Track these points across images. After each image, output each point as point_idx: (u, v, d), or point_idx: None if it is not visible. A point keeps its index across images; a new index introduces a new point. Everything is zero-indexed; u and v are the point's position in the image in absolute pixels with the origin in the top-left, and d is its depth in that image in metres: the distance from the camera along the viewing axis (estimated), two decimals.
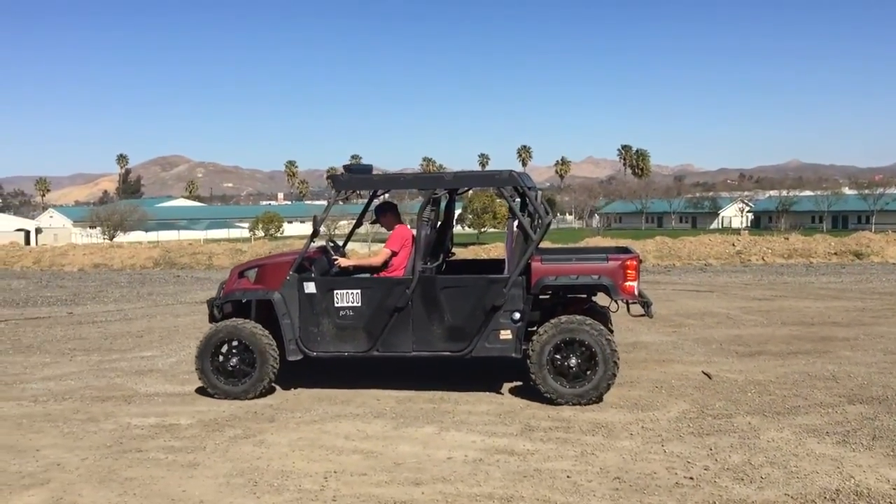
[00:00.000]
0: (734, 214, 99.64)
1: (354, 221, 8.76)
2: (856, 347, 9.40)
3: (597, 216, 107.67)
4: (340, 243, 8.23)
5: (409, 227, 7.90)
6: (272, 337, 7.25)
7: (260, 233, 75.43)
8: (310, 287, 7.26)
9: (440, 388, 7.61)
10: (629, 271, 6.96)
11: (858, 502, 4.71)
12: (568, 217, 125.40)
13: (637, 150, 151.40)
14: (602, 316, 7.48)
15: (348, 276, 7.59)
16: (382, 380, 7.94)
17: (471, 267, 8.98)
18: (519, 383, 7.68)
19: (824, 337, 10.10)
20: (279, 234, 73.79)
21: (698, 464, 5.41)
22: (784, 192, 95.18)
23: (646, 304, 7.11)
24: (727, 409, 6.74)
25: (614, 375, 6.91)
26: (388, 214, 8.02)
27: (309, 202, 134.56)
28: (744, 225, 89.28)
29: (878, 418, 6.38)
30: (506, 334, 7.05)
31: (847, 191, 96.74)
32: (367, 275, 7.58)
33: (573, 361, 6.89)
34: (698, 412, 6.67)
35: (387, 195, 8.03)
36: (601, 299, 7.56)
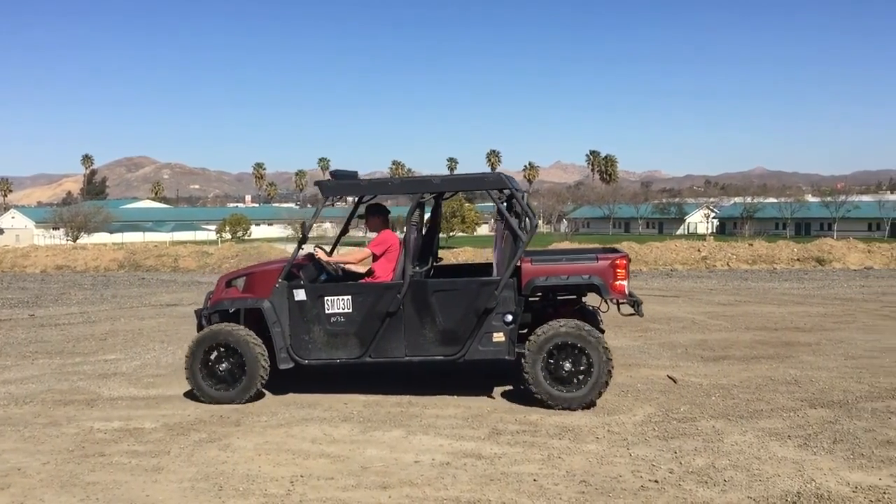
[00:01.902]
0: (700, 220, 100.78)
1: (341, 227, 8.71)
2: (817, 352, 9.55)
3: (565, 221, 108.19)
4: (328, 248, 8.17)
5: (395, 232, 7.90)
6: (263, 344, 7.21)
7: (227, 235, 74.89)
8: (300, 294, 7.18)
9: (408, 391, 7.60)
10: (619, 270, 6.97)
11: None
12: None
13: (605, 156, 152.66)
14: (592, 317, 7.50)
15: (338, 283, 7.55)
16: (350, 384, 7.92)
17: (459, 271, 8.92)
18: (486, 387, 7.70)
19: (787, 342, 10.26)
20: (247, 237, 73.28)
21: (663, 467, 5.47)
22: (749, 199, 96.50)
23: (636, 304, 7.13)
24: (692, 413, 6.81)
25: (608, 382, 6.92)
26: (376, 217, 7.97)
27: (277, 205, 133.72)
28: (709, 231, 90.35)
29: (839, 422, 6.49)
30: (498, 337, 7.03)
31: (810, 198, 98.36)
32: (355, 281, 7.55)
33: (568, 366, 6.86)
34: (663, 416, 6.74)
35: (372, 200, 7.94)
36: (589, 299, 7.60)
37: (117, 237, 72.55)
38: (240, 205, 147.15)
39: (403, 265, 7.18)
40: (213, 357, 7.20)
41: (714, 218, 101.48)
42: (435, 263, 8.46)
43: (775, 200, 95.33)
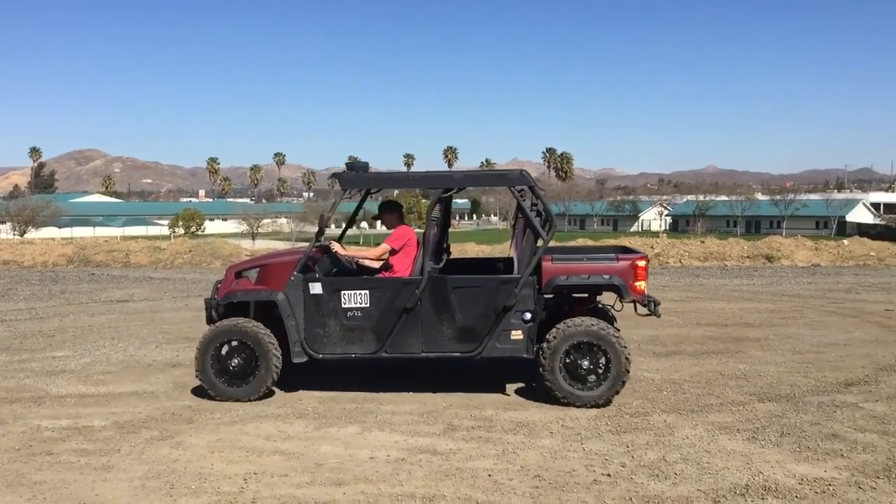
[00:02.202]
0: (653, 218, 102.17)
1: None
2: (766, 347, 9.76)
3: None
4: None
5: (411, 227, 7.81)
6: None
7: (180, 230, 73.80)
8: (316, 288, 7.07)
9: (363, 388, 7.58)
10: (639, 271, 6.98)
11: (767, 497, 4.89)
12: (493, 218, 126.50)
13: (561, 154, 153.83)
14: (606, 316, 7.49)
15: (355, 277, 7.47)
16: (305, 380, 7.87)
17: (470, 266, 8.80)
18: (442, 383, 7.71)
19: (737, 337, 10.46)
20: (200, 232, 72.30)
21: (615, 461, 5.54)
22: (701, 197, 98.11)
23: (653, 304, 7.15)
24: (644, 408, 6.91)
25: (625, 381, 6.92)
26: (391, 213, 7.92)
27: (231, 200, 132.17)
28: (662, 228, 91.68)
29: (786, 416, 6.64)
30: (517, 334, 6.99)
31: (760, 196, 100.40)
32: (371, 276, 7.50)
33: (586, 364, 6.86)
34: (616, 410, 6.82)
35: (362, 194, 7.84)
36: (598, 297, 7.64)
37: (66, 232, 70.88)
38: (193, 200, 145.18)
39: (422, 261, 7.12)
40: (224, 352, 7.07)
41: (667, 215, 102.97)
42: (446, 258, 8.38)
43: (727, 198, 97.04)
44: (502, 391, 7.46)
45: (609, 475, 5.27)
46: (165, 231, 76.39)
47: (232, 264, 8.21)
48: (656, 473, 5.29)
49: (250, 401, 7.08)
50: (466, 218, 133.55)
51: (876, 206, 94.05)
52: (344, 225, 9.32)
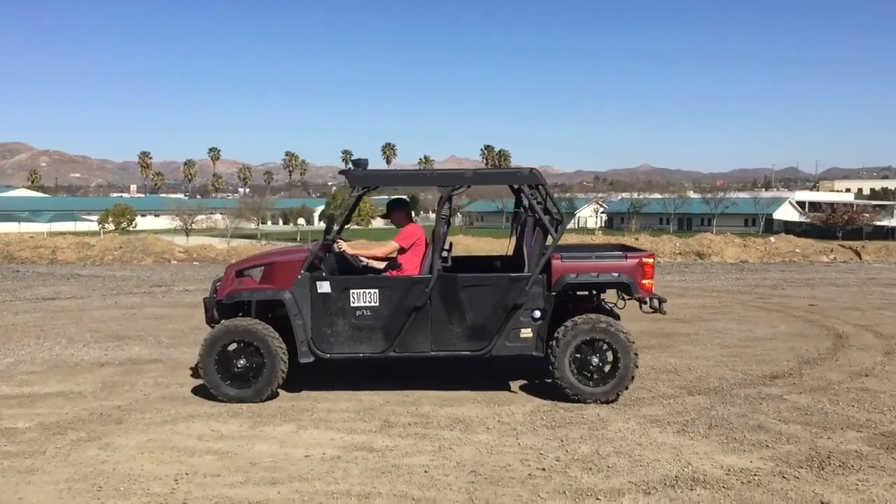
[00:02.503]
0: (589, 215, 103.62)
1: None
2: (696, 342, 10.00)
3: (459, 215, 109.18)
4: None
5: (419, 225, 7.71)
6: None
7: (110, 226, 71.94)
8: (324, 286, 6.94)
9: (299, 386, 7.51)
10: (647, 269, 7.06)
11: (695, 487, 5.01)
12: (431, 215, 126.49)
13: (499, 151, 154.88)
14: (609, 313, 7.51)
15: (365, 275, 7.34)
16: None
17: (468, 265, 8.61)
18: (379, 381, 7.69)
19: (668, 333, 10.69)
20: (131, 228, 70.59)
21: (550, 455, 5.60)
22: (635, 195, 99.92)
23: (659, 301, 7.25)
24: (579, 402, 7.00)
25: (633, 378, 7.00)
26: (399, 210, 7.82)
27: (165, 195, 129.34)
28: (598, 225, 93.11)
29: (714, 408, 6.81)
30: (526, 332, 7.00)
31: (692, 194, 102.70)
32: (374, 272, 7.42)
33: (595, 361, 6.92)
34: (551, 405, 6.90)
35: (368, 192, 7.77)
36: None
37: None
38: (124, 195, 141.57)
39: (431, 259, 7.07)
40: (229, 353, 6.89)
41: (603, 213, 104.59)
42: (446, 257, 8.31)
43: (660, 196, 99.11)
44: (440, 388, 7.48)
45: (544, 469, 5.33)
46: (95, 227, 74.34)
47: (232, 263, 7.95)
48: (589, 467, 5.37)
49: (258, 402, 6.93)
50: None
51: (801, 204, 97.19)
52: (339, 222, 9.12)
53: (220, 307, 7.18)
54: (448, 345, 7.02)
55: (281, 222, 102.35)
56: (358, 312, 6.94)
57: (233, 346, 6.89)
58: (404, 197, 7.89)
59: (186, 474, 5.22)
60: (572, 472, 5.28)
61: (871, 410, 6.75)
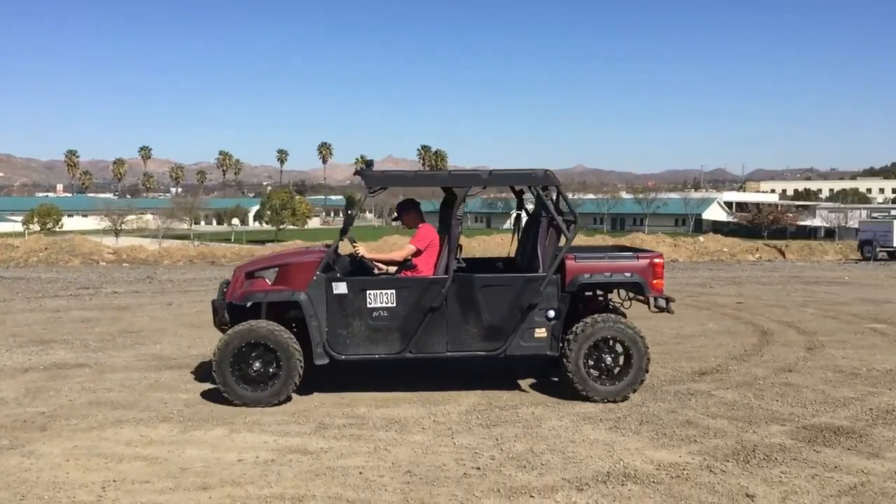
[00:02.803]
0: (525, 215, 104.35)
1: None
2: None
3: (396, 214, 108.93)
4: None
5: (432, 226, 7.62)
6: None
7: (35, 227, 69.70)
8: (340, 287, 6.87)
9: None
10: (657, 269, 7.20)
11: (626, 483, 5.11)
12: (368, 215, 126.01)
13: (436, 151, 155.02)
14: (616, 312, 7.58)
15: (381, 276, 7.28)
16: (170, 382, 7.61)
17: (475, 265, 8.48)
18: (314, 383, 7.63)
19: None
20: (58, 229, 68.51)
21: (485, 454, 5.64)
22: (570, 195, 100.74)
23: (667, 301, 7.38)
24: (513, 401, 7.07)
25: (644, 378, 7.11)
26: (411, 212, 7.75)
27: (93, 195, 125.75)
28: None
29: (646, 405, 6.95)
30: (540, 332, 7.05)
31: (625, 195, 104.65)
32: (389, 274, 7.35)
33: (609, 360, 7.01)
34: (487, 404, 6.95)
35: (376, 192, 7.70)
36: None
37: None
38: (50, 194, 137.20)
39: (447, 260, 7.07)
40: (245, 356, 6.77)
41: None
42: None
43: (594, 197, 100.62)
44: (375, 389, 7.46)
45: (479, 468, 5.36)
46: (19, 227, 71.86)
47: (240, 265, 7.79)
48: (524, 464, 5.42)
49: (273, 405, 6.83)
50: (341, 214, 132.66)
51: (729, 204, 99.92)
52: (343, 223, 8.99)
53: (230, 309, 7.06)
54: (463, 345, 7.05)
55: (215, 222, 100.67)
56: (375, 313, 6.92)
57: (248, 350, 6.79)
58: (414, 199, 7.92)
59: (114, 481, 5.09)
60: (507, 470, 5.33)
61: (793, 405, 6.98)
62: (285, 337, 6.79)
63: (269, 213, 77.27)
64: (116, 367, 8.44)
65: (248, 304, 6.95)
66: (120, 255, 25.96)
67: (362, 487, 5.01)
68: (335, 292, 6.89)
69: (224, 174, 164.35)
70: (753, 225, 75.10)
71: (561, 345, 7.05)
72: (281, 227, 75.02)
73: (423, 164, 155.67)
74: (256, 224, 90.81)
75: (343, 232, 7.14)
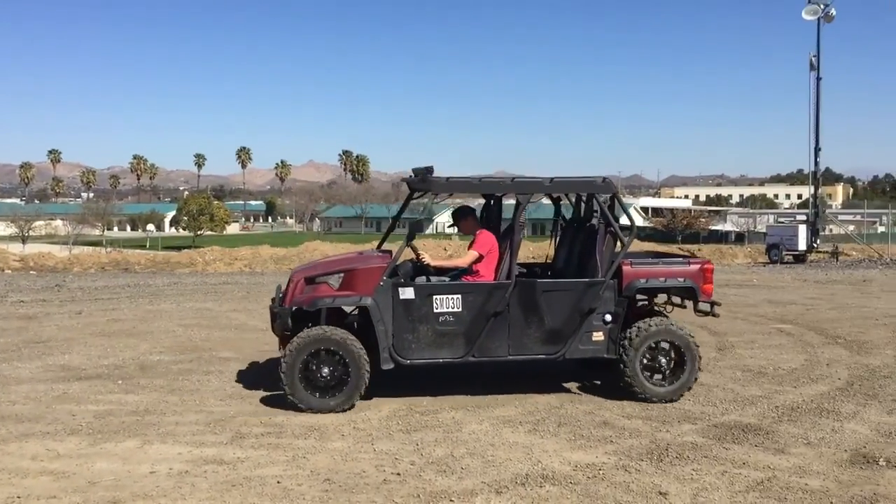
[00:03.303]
0: (447, 220, 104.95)
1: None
2: None
3: (318, 220, 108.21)
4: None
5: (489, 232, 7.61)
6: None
7: None
8: (407, 293, 6.93)
9: (146, 399, 7.20)
10: (707, 274, 7.46)
11: (544, 484, 5.17)
12: (289, 220, 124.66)
13: (357, 156, 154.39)
14: (661, 315, 7.75)
15: (447, 282, 7.33)
16: (80, 394, 7.34)
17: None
18: (231, 392, 7.49)
19: None
20: None
21: (405, 459, 5.63)
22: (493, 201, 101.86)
23: (712, 305, 7.58)
24: (434, 406, 7.09)
25: (697, 377, 7.35)
26: (468, 218, 7.84)
27: None
28: (456, 231, 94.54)
29: (564, 407, 7.06)
30: (598, 336, 7.21)
31: (545, 200, 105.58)
32: (448, 279, 7.39)
33: (664, 362, 7.21)
34: (408, 410, 6.94)
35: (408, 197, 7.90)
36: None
37: None
38: None
39: (509, 265, 7.15)
40: (313, 363, 6.76)
41: None
42: None
43: (513, 202, 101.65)
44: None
45: (399, 474, 5.34)
46: None
47: (297, 269, 7.68)
48: (444, 469, 5.44)
49: (341, 411, 6.82)
50: (261, 220, 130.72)
51: (645, 209, 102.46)
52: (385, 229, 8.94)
53: (282, 316, 7.01)
54: (525, 349, 7.17)
55: (129, 228, 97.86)
56: (441, 318, 7.00)
57: (317, 356, 6.79)
58: (470, 205, 7.97)
59: (18, 497, 4.88)
60: (427, 475, 5.33)
61: (704, 404, 7.20)
62: (354, 343, 6.83)
63: (186, 218, 75.58)
64: (21, 379, 8.11)
65: (313, 310, 6.96)
66: (27, 262, 24.96)
67: (280, 497, 4.93)
68: (401, 297, 6.95)
69: (138, 179, 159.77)
70: (668, 229, 77.13)
71: (619, 348, 7.24)
72: (199, 233, 73.40)
73: (345, 169, 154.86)
74: (173, 230, 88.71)
75: (408, 238, 7.18)
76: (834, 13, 30.28)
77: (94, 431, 6.27)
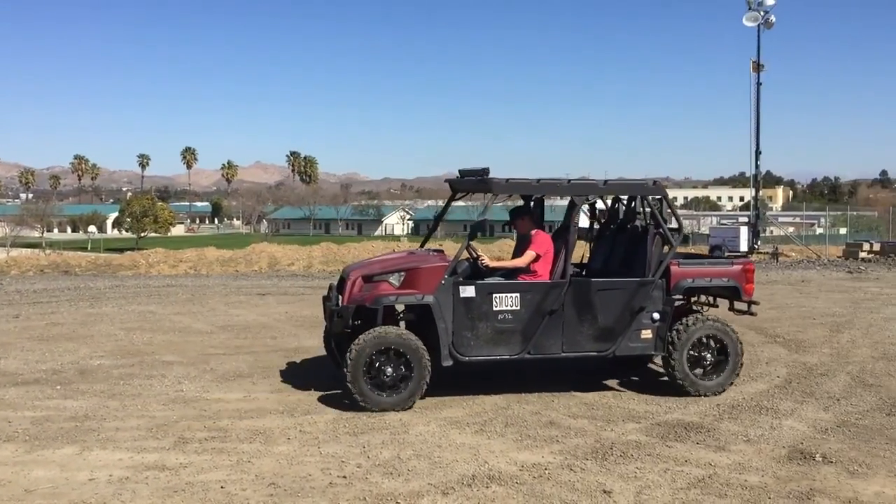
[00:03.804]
0: (396, 222, 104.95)
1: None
2: None
3: (265, 221, 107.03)
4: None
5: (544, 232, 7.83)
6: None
7: None
8: (468, 291, 7.09)
9: (85, 405, 7.03)
10: (749, 275, 7.78)
11: (491, 485, 5.20)
12: (235, 222, 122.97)
13: (305, 157, 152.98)
14: (700, 314, 7.99)
15: (506, 280, 7.46)
16: (16, 400, 7.14)
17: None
18: (173, 397, 7.36)
19: None
20: None
21: (352, 462, 5.60)
22: (441, 202, 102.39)
23: (750, 304, 7.89)
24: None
25: (738, 373, 7.68)
26: (525, 218, 7.92)
27: None
28: (405, 232, 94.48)
29: (511, 407, 7.10)
30: (646, 333, 7.45)
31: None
32: (501, 278, 7.50)
33: (709, 357, 7.51)
34: (354, 413, 6.88)
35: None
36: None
37: None
38: None
39: (564, 264, 7.34)
40: (378, 362, 6.86)
41: (409, 220, 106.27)
42: None
43: (464, 204, 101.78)
44: (239, 401, 7.26)
45: (345, 477, 5.31)
46: None
47: (352, 267, 7.73)
48: (390, 471, 5.42)
49: (402, 410, 6.91)
50: (207, 222, 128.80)
51: (592, 210, 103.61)
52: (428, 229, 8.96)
53: (343, 313, 7.12)
54: (578, 346, 7.39)
55: (69, 230, 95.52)
56: (500, 316, 7.15)
57: (381, 355, 6.89)
58: (527, 205, 8.16)
59: None
60: (373, 477, 5.31)
61: (649, 403, 7.32)
62: (417, 342, 6.95)
63: (129, 220, 74.06)
64: None
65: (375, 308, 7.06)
66: None
67: (223, 502, 4.87)
68: (462, 296, 7.09)
69: (80, 179, 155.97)
70: None
71: (666, 345, 7.47)
72: (142, 234, 71.99)
73: (293, 170, 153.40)
74: (115, 232, 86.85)
75: (470, 238, 7.57)
76: (773, 20, 30.93)
77: (31, 438, 6.09)
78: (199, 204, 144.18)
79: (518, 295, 7.23)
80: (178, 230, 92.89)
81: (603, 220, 8.99)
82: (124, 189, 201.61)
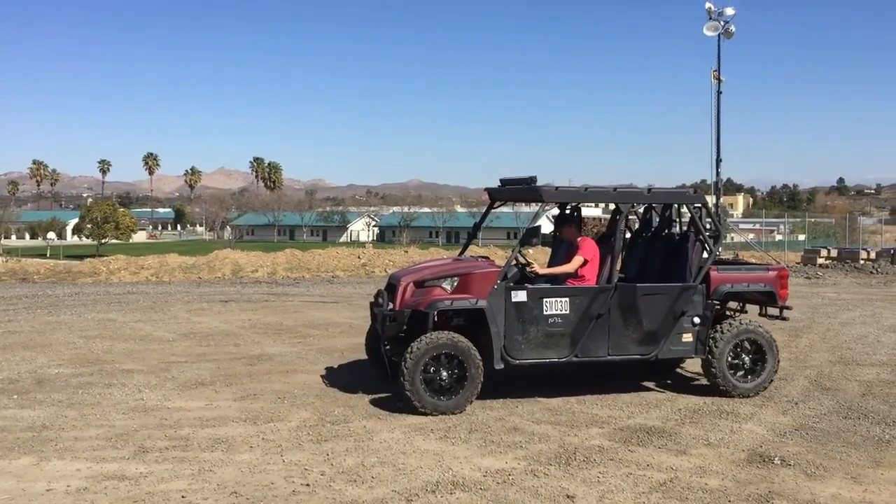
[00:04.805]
0: (361, 228, 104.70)
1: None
2: None
3: (228, 228, 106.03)
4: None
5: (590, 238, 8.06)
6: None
7: None
8: (520, 296, 7.22)
9: (43, 414, 6.90)
10: (783, 281, 8.04)
11: (455, 491, 5.20)
12: (199, 228, 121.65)
13: (269, 163, 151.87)
14: (734, 318, 8.21)
15: (556, 285, 7.59)
16: None
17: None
18: (133, 405, 7.25)
19: None
20: None
21: (315, 470, 5.57)
22: (406, 209, 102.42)
23: (782, 309, 8.14)
24: (345, 415, 7.02)
25: (774, 375, 7.87)
26: (571, 225, 8.13)
27: None
28: (370, 238, 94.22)
29: (475, 413, 7.11)
30: (687, 337, 7.66)
31: (459, 209, 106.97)
32: (546, 283, 7.60)
33: (747, 360, 7.75)
34: (318, 420, 6.86)
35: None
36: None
37: None
38: None
39: (610, 270, 7.57)
40: (433, 366, 6.96)
41: (374, 226, 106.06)
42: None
43: (429, 210, 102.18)
44: (201, 409, 7.18)
45: (308, 485, 5.28)
46: None
47: (401, 273, 7.81)
48: (354, 479, 5.40)
49: (457, 413, 7.00)
50: (170, 228, 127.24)
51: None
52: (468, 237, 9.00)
53: (391, 318, 7.22)
54: (623, 349, 7.55)
55: (28, 237, 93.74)
56: (550, 320, 7.31)
57: (437, 359, 6.98)
58: (573, 212, 8.38)
59: None
60: (337, 485, 5.28)
61: (612, 408, 7.38)
62: (471, 347, 7.05)
63: (89, 226, 72.81)
64: None
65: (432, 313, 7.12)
66: None
67: None
68: (514, 300, 7.23)
69: (38, 185, 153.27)
70: None
71: (706, 348, 7.67)
72: (103, 241, 70.89)
73: (256, 177, 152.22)
74: (75, 238, 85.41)
75: (522, 243, 7.67)
76: (733, 30, 31.34)
77: None
78: (161, 210, 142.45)
79: (568, 299, 7.40)
80: (139, 237, 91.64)
81: (635, 228, 9.27)
82: (85, 195, 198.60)
